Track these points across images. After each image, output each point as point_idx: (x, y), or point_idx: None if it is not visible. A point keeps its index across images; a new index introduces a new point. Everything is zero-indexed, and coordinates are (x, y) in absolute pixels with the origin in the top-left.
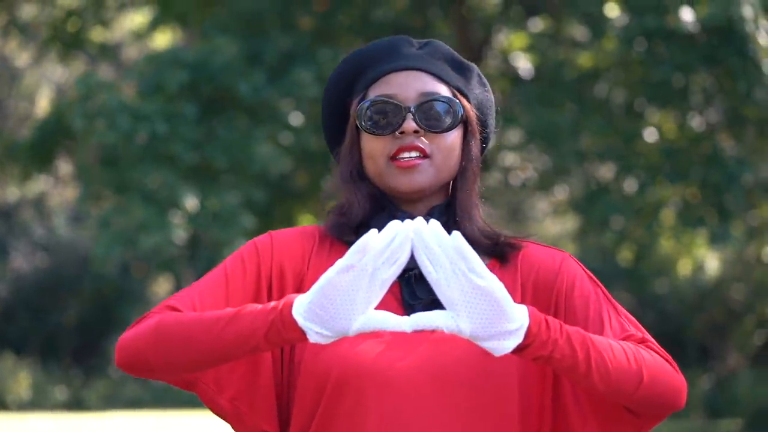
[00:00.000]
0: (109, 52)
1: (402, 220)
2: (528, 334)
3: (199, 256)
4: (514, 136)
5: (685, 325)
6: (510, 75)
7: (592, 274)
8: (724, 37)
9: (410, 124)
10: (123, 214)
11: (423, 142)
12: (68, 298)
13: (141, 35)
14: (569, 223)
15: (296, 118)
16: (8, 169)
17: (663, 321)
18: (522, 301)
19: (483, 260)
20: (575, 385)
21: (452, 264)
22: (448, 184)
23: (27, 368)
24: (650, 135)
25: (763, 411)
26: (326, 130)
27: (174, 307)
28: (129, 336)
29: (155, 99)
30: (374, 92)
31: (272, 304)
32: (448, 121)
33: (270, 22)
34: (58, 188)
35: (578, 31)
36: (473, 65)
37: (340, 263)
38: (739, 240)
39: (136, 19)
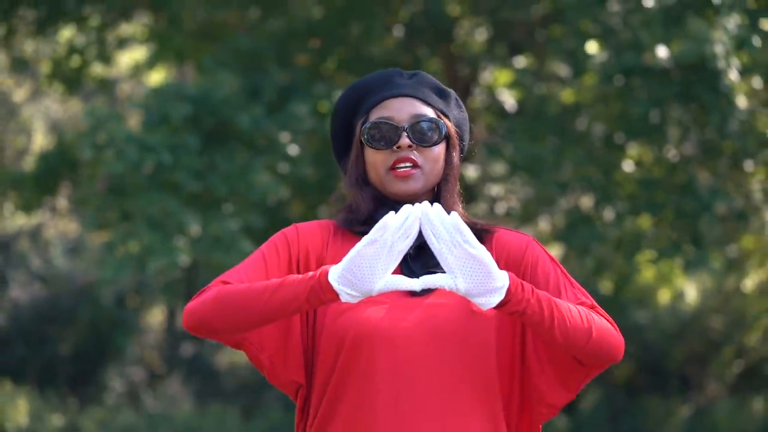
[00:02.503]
0: (108, 87)
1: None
2: (508, 292)
3: (199, 280)
4: (499, 168)
5: (665, 355)
6: (495, 109)
7: (552, 255)
8: (698, 73)
9: (405, 141)
10: (131, 238)
11: (415, 154)
12: (65, 328)
13: (138, 71)
14: (552, 253)
15: (293, 150)
16: (12, 200)
17: (644, 350)
18: None
19: None
20: (536, 341)
21: (451, 237)
22: (434, 186)
23: (25, 395)
24: (629, 166)
25: None
26: (334, 144)
27: (226, 281)
28: (194, 305)
29: (160, 131)
30: (375, 115)
31: (310, 273)
32: (434, 137)
33: (268, 58)
34: (54, 220)
35: (560, 68)
36: (451, 90)
37: (366, 238)
38: (717, 272)
39: (132, 55)
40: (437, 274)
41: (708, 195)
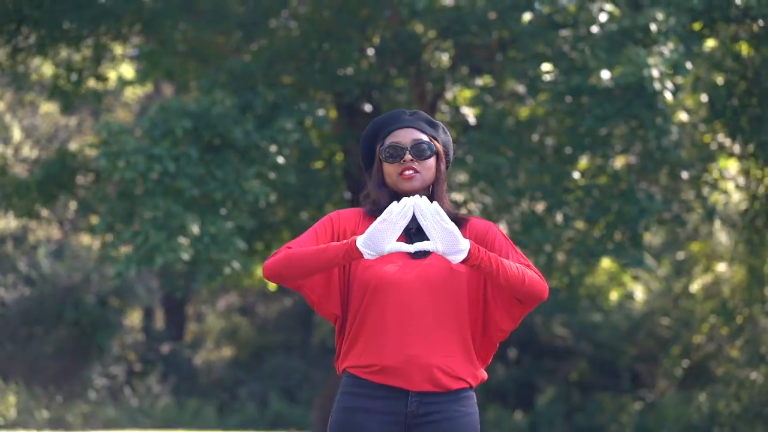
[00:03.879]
0: (99, 99)
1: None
2: (469, 252)
3: (198, 273)
4: (461, 176)
5: (617, 353)
6: (458, 123)
7: (505, 235)
8: (636, 93)
9: (408, 157)
10: (140, 237)
11: (416, 165)
12: (50, 328)
13: (124, 86)
14: None
15: (281, 159)
16: (13, 206)
17: (596, 349)
18: None
19: None
20: (492, 288)
21: (433, 217)
22: (429, 186)
23: (13, 391)
24: (577, 174)
25: (687, 430)
26: (363, 161)
27: (290, 247)
28: (270, 262)
29: (165, 142)
30: (388, 141)
31: (344, 241)
32: (427, 153)
33: (257, 79)
34: (41, 225)
35: (516, 87)
36: (439, 122)
37: (379, 219)
38: (659, 273)
39: (119, 70)
40: (425, 241)
41: (646, 201)
